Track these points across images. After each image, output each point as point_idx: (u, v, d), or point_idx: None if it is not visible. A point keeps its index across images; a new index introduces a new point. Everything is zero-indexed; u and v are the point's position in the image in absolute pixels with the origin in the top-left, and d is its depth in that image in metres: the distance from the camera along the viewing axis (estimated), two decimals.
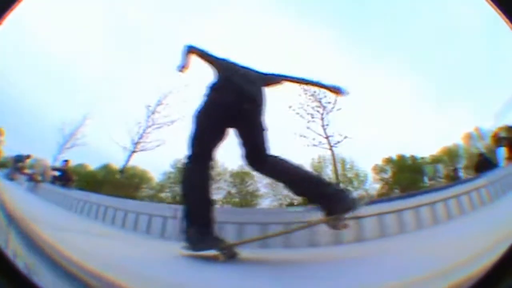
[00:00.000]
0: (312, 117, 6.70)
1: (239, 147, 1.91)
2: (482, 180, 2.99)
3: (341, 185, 2.25)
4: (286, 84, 2.15)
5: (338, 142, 7.15)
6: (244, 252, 1.81)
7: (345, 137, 6.91)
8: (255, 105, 1.84)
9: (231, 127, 1.87)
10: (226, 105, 1.78)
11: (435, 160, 7.71)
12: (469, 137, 7.53)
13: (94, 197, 4.50)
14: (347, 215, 1.80)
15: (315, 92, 6.49)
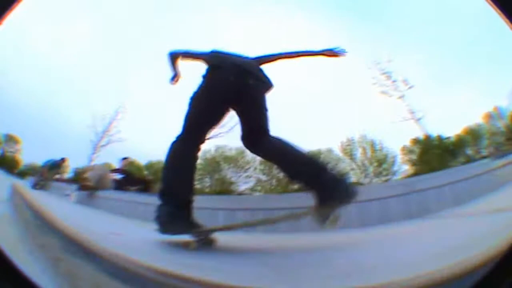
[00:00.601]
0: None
1: (239, 127, 1.86)
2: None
3: (342, 173, 2.04)
4: (281, 62, 2.06)
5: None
6: (224, 239, 1.68)
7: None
8: (258, 81, 1.78)
9: (232, 106, 1.80)
10: (229, 81, 1.70)
11: (460, 139, 7.71)
12: (489, 116, 7.56)
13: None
14: (340, 206, 1.61)
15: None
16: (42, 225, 1.80)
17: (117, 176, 4.76)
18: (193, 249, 1.52)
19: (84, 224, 2.06)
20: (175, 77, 2.04)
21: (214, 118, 1.78)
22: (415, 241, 1.61)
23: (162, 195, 1.68)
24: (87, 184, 4.44)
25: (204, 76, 1.78)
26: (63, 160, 8.64)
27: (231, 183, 9.56)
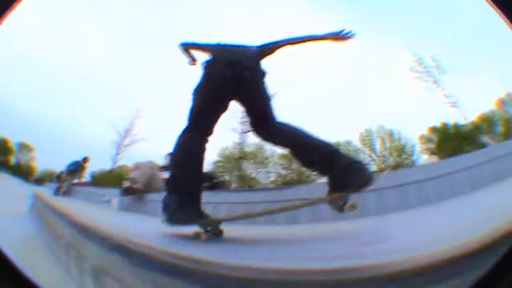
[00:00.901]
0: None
1: (247, 117, 1.89)
2: None
3: (358, 158, 1.83)
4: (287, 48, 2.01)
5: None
6: (234, 230, 1.67)
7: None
8: (254, 72, 1.80)
9: (233, 97, 1.83)
10: (225, 76, 1.73)
11: (475, 126, 7.67)
12: (502, 102, 7.54)
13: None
14: (357, 191, 1.54)
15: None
16: (82, 239, 1.74)
17: (167, 175, 4.25)
18: (203, 240, 1.49)
19: (138, 232, 1.84)
20: (192, 61, 2.12)
21: (217, 109, 1.81)
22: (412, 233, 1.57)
23: (170, 185, 1.69)
24: (133, 187, 3.64)
25: (203, 69, 1.81)
26: (85, 159, 8.15)
27: (252, 179, 9.51)
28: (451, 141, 7.58)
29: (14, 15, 0.88)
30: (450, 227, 1.17)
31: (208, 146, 1.78)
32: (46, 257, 2.32)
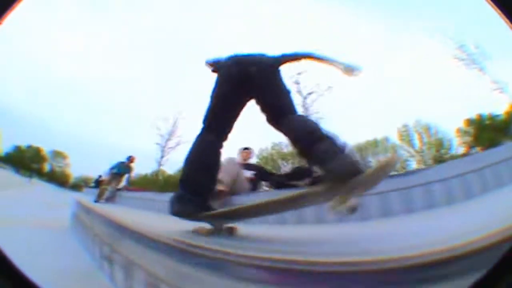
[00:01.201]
0: None
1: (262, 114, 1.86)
2: None
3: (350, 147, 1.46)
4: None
5: None
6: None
7: None
8: (261, 68, 1.81)
9: (245, 96, 1.85)
10: (232, 74, 1.80)
11: (510, 116, 7.51)
12: None
13: None
14: (350, 183, 1.32)
15: None
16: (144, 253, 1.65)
17: (250, 174, 3.48)
18: (205, 235, 1.54)
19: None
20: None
21: (230, 110, 1.85)
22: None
23: (180, 182, 1.73)
24: (219, 190, 2.82)
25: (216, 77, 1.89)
26: (130, 159, 7.33)
27: None
28: (487, 132, 7.38)
29: (18, 16, 0.88)
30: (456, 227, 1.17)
31: (223, 148, 1.83)
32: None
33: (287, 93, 1.83)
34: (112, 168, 7.20)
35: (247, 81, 1.78)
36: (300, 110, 2.05)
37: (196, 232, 1.61)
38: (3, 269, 0.77)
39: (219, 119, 1.83)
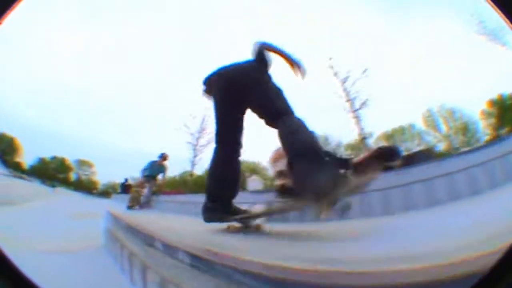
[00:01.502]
0: None
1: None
2: None
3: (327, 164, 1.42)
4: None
5: None
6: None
7: None
8: (244, 74, 1.86)
9: (242, 104, 1.91)
10: (222, 88, 1.90)
11: None
12: None
13: None
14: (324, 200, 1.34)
15: None
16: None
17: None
18: (231, 232, 1.81)
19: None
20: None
21: (233, 122, 1.95)
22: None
23: (205, 193, 1.94)
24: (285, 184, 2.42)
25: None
26: (163, 156, 6.35)
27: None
28: (510, 112, 7.12)
29: (20, 16, 0.88)
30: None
31: (240, 156, 1.96)
32: None
33: (278, 93, 1.83)
34: (144, 170, 6.37)
35: (236, 89, 1.84)
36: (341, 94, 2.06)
37: (228, 229, 1.86)
38: (3, 269, 0.77)
39: (227, 134, 1.94)
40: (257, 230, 1.90)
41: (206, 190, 1.93)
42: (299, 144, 1.53)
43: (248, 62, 1.95)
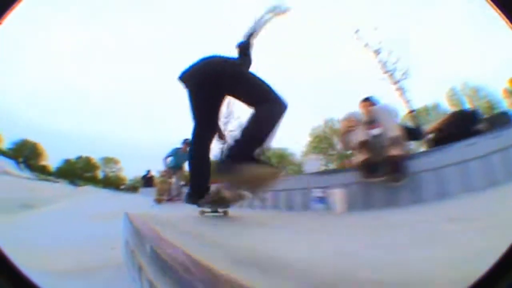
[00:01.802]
0: None
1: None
2: None
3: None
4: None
5: None
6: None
7: None
8: (219, 68, 1.93)
9: (222, 95, 2.05)
10: (199, 85, 2.02)
11: None
12: None
13: None
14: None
15: None
16: None
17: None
18: (202, 216, 2.14)
19: None
20: None
21: (214, 109, 2.12)
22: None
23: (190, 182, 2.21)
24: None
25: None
26: (187, 142, 5.65)
27: (347, 156, 8.80)
28: None
29: (20, 16, 0.88)
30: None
31: (211, 142, 2.22)
32: None
33: (256, 81, 1.88)
34: (167, 158, 5.71)
35: (216, 81, 1.90)
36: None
37: (201, 213, 2.17)
38: (3, 269, 0.77)
39: (209, 121, 2.14)
40: (225, 215, 2.17)
41: (191, 180, 2.17)
42: (250, 131, 1.79)
43: (229, 56, 2.06)
